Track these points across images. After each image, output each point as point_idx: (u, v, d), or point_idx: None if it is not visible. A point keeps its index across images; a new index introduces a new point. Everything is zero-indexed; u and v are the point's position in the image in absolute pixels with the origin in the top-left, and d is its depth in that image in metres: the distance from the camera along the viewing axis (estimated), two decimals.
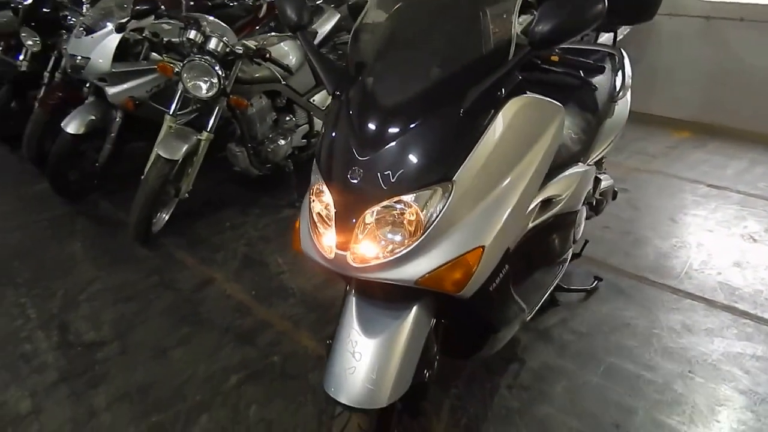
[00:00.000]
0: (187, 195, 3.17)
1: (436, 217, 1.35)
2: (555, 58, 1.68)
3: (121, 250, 3.08)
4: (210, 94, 2.89)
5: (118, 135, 3.45)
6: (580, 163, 2.27)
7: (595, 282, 2.69)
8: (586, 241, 2.46)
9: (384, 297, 1.49)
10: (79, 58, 3.22)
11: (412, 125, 1.39)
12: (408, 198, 1.35)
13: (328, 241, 1.44)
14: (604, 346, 2.32)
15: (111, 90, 3.25)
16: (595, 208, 2.61)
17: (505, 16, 1.46)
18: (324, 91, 3.59)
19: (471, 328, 1.76)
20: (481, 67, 1.42)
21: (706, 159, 4.33)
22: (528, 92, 1.53)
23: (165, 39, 3.12)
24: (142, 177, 2.92)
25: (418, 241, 1.35)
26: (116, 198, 3.62)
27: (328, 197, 1.44)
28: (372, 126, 1.42)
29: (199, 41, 2.88)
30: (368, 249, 1.38)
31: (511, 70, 1.41)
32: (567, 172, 2.15)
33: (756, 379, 2.13)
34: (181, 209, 3.30)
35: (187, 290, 2.74)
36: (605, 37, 2.84)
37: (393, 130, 1.39)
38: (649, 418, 1.98)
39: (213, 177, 3.84)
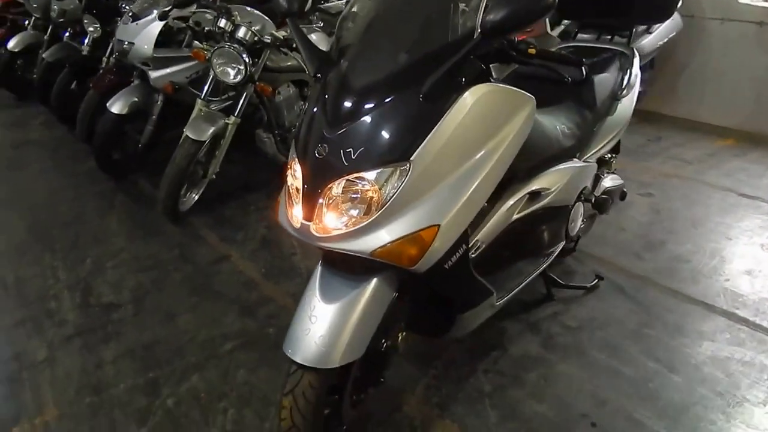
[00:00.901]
0: (214, 176, 3.37)
1: (394, 194, 1.44)
2: (532, 51, 1.73)
3: (152, 225, 3.31)
4: (237, 80, 3.07)
5: (160, 117, 3.69)
6: (575, 159, 2.31)
7: (596, 280, 2.70)
8: (578, 237, 2.48)
9: (347, 268, 1.60)
10: (126, 43, 3.49)
11: (375, 107, 1.49)
12: (367, 175, 1.45)
13: (296, 212, 1.56)
14: (590, 340, 2.35)
15: (153, 74, 3.49)
16: (598, 206, 2.61)
17: (470, 6, 1.54)
18: None
19: (435, 307, 1.84)
20: (443, 55, 1.50)
21: (743, 168, 4.20)
22: (492, 81, 1.60)
23: (206, 28, 3.32)
24: (172, 155, 3.13)
25: (376, 215, 1.45)
26: (155, 179, 3.81)
27: (299, 172, 1.57)
28: (339, 106, 1.53)
29: (229, 29, 3.06)
30: (330, 221, 1.49)
31: (465, 57, 1.48)
32: (558, 167, 2.20)
33: (737, 382, 2.11)
34: (212, 191, 3.50)
35: (203, 264, 2.93)
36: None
37: (357, 110, 1.50)
38: (619, 410, 2.01)
39: (246, 163, 4.05)
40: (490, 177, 1.61)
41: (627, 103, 2.50)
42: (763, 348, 2.30)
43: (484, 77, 1.58)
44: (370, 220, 1.45)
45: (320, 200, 1.49)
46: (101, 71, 4.19)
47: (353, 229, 1.46)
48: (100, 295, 2.66)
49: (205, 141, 3.09)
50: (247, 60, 3.03)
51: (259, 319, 2.50)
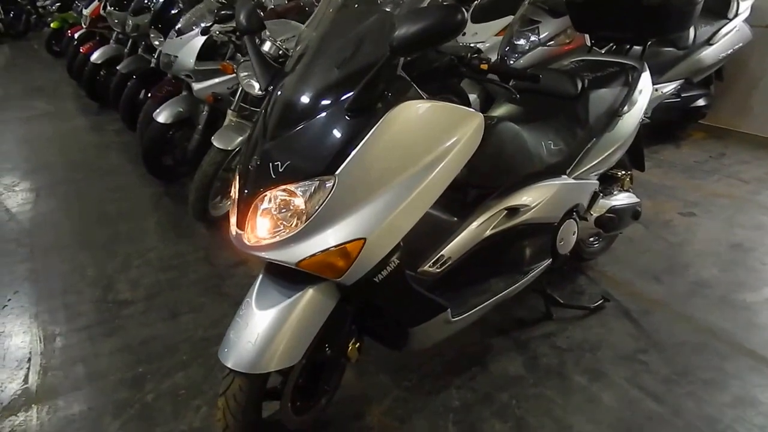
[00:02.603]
0: None
1: (319, 206, 1.49)
2: (483, 67, 1.72)
3: (186, 228, 3.53)
4: (261, 92, 3.21)
5: (206, 127, 3.90)
6: (564, 176, 2.25)
7: (601, 302, 2.60)
8: (566, 256, 2.40)
9: (286, 277, 1.66)
10: (172, 56, 3.74)
11: (305, 121, 1.55)
12: (292, 187, 1.51)
13: (233, 220, 1.65)
14: (575, 364, 2.28)
15: (196, 86, 3.72)
16: (602, 225, 2.52)
17: (386, 24, 1.56)
18: None
19: (387, 319, 1.85)
20: (363, 71, 1.52)
21: None
22: (425, 97, 1.61)
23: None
24: (201, 163, 3.32)
25: (302, 227, 1.50)
26: None
27: (237, 181, 1.65)
28: (273, 120, 1.61)
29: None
30: (259, 230, 1.56)
31: (383, 73, 1.49)
32: (541, 183, 2.15)
33: (723, 418, 1.97)
34: None
35: (221, 267, 3.09)
36: None
37: (289, 123, 1.57)
38: None
39: None
40: (426, 192, 1.61)
41: (629, 120, 2.40)
42: (765, 383, 2.13)
43: (415, 95, 1.60)
44: (297, 231, 1.50)
45: (251, 210, 1.56)
46: (161, 82, 4.50)
47: (281, 239, 1.52)
48: (117, 291, 2.88)
49: (231, 150, 3.26)
50: None
51: None
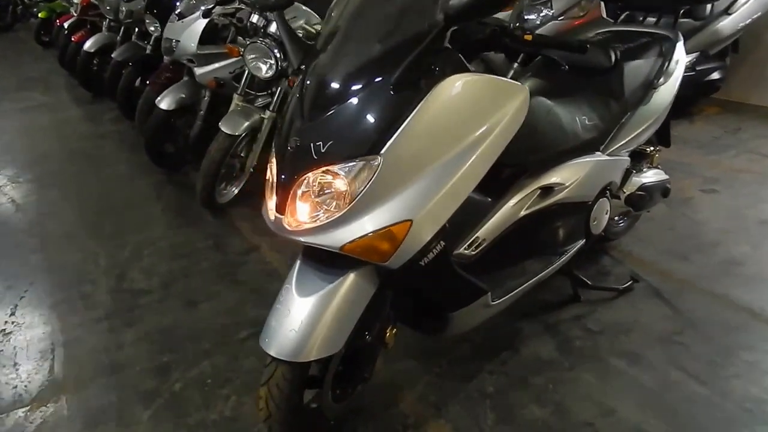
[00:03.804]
0: (252, 170, 3.42)
1: (364, 188, 1.40)
2: (528, 37, 1.63)
3: (193, 216, 3.42)
4: (269, 75, 3.10)
5: (208, 113, 3.79)
6: (597, 153, 2.17)
7: (630, 282, 2.53)
8: (602, 236, 2.31)
9: (325, 262, 1.57)
10: (173, 41, 3.62)
11: (346, 98, 1.45)
12: (336, 168, 1.42)
13: (271, 204, 1.55)
14: (610, 346, 2.20)
15: (198, 70, 3.60)
16: (632, 203, 2.44)
17: None
18: None
19: (426, 304, 1.78)
20: (412, 43, 1.44)
21: None
22: (472, 70, 1.52)
23: (249, 24, 3.38)
24: (208, 149, 3.21)
25: (345, 210, 1.41)
26: None
27: (275, 164, 1.56)
28: (314, 98, 1.51)
29: (261, 25, 3.10)
30: (300, 214, 1.47)
31: (434, 45, 1.41)
32: (575, 160, 2.07)
33: None
34: (253, 184, 3.54)
35: (233, 254, 3.00)
36: None
37: (330, 102, 1.47)
38: (626, 421, 1.87)
39: None
40: (472, 171, 1.53)
41: (665, 92, 2.32)
42: None
43: (462, 67, 1.50)
44: (340, 214, 1.42)
45: (291, 193, 1.47)
46: (159, 69, 4.37)
47: (323, 222, 1.43)
48: (132, 280, 2.79)
49: (239, 135, 3.16)
50: (278, 55, 3.05)
51: None
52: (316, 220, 1.45)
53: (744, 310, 2.37)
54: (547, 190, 1.99)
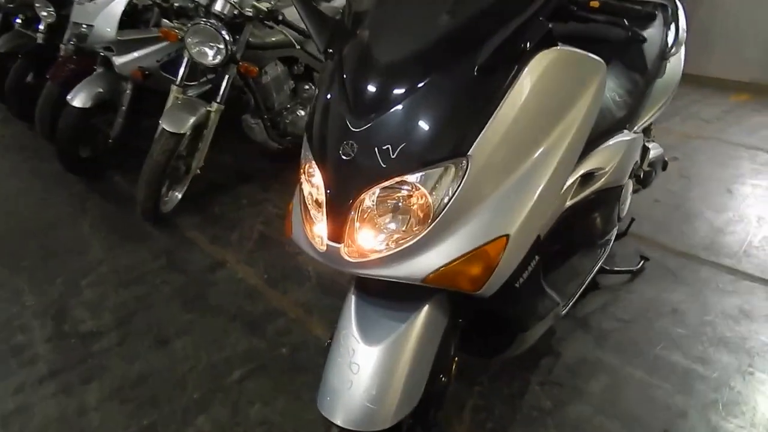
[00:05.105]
0: (198, 171, 2.99)
1: (449, 200, 1.11)
2: (595, 4, 1.39)
3: (132, 230, 2.92)
4: (217, 61, 2.68)
5: (131, 108, 3.29)
6: (625, 131, 1.99)
7: (642, 262, 2.41)
8: (632, 219, 2.17)
9: (389, 296, 1.27)
10: (84, 26, 3.07)
11: (416, 87, 1.13)
12: (413, 178, 1.11)
13: (319, 230, 1.21)
14: (648, 335, 2.06)
15: (118, 60, 3.07)
16: (642, 180, 2.32)
17: None
18: None
19: (494, 327, 1.52)
20: (500, 13, 1.16)
21: (766, 123, 3.93)
22: (560, 44, 1.26)
23: (176, 4, 2.90)
24: (148, 152, 2.74)
25: (427, 230, 1.11)
26: (132, 175, 3.42)
27: (318, 177, 1.21)
28: (367, 89, 1.18)
29: (204, 3, 2.66)
30: (366, 240, 1.15)
31: (535, 15, 1.14)
32: (611, 142, 1.87)
33: None
34: (198, 186, 3.11)
35: (196, 273, 2.57)
36: None
37: (392, 94, 1.14)
38: (704, 421, 1.72)
39: (233, 151, 3.67)
40: (564, 164, 1.27)
41: (676, 63, 2.19)
42: None
43: (551, 40, 1.23)
44: (421, 236, 1.12)
45: (352, 214, 1.15)
46: (59, 60, 3.73)
47: (398, 249, 1.13)
48: (76, 321, 2.28)
49: (184, 133, 2.71)
50: (227, 37, 2.63)
51: (268, 337, 2.16)
52: (388, 247, 1.14)
53: (758, 280, 2.32)
54: (588, 177, 1.78)
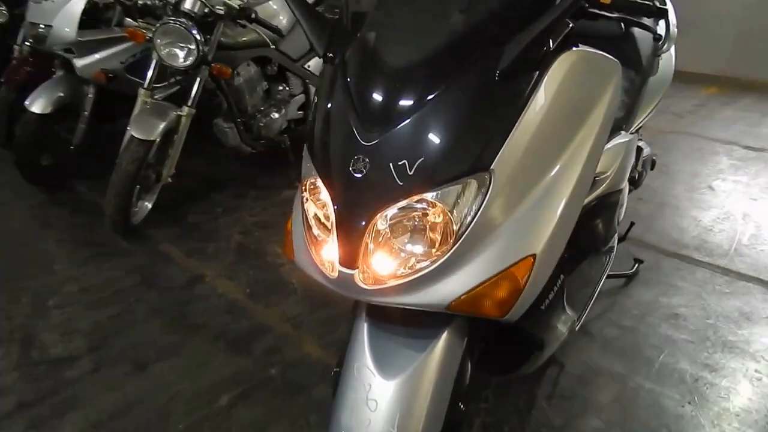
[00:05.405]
0: (170, 179, 2.83)
1: (471, 219, 1.01)
2: (606, 1, 1.31)
3: (100, 245, 2.74)
4: (188, 62, 2.53)
5: (93, 113, 3.11)
6: (622, 132, 1.93)
7: (636, 265, 2.37)
8: (632, 223, 2.12)
9: (404, 321, 1.17)
10: (41, 26, 2.87)
11: (431, 95, 1.04)
12: (432, 196, 1.01)
13: (328, 254, 1.10)
14: (652, 341, 2.02)
15: (79, 62, 2.88)
16: (635, 181, 2.27)
17: None
18: None
19: (510, 346, 1.44)
20: (521, 11, 1.07)
21: (738, 117, 3.97)
22: (580, 44, 1.17)
23: (140, 2, 2.73)
24: (116, 161, 2.57)
25: (450, 252, 1.02)
26: (97, 184, 3.21)
27: (325, 195, 1.10)
28: (377, 98, 1.07)
29: (173, 1, 2.51)
30: (382, 265, 1.04)
31: (563, 14, 1.05)
32: (610, 144, 1.80)
33: None
34: (167, 194, 2.95)
35: (173, 290, 2.42)
36: None
37: (406, 103, 1.04)
38: (718, 431, 1.68)
39: (204, 156, 3.51)
40: (586, 173, 1.19)
41: (668, 60, 2.14)
42: None
43: (570, 40, 1.14)
44: (443, 259, 1.02)
45: (366, 237, 1.04)
46: (13, 63, 3.50)
47: (418, 275, 1.03)
48: (44, 346, 2.10)
49: (154, 140, 2.55)
50: (198, 37, 2.49)
51: (255, 357, 2.03)
52: (407, 272, 1.04)
53: (754, 280, 2.30)
54: (593, 183, 1.71)
